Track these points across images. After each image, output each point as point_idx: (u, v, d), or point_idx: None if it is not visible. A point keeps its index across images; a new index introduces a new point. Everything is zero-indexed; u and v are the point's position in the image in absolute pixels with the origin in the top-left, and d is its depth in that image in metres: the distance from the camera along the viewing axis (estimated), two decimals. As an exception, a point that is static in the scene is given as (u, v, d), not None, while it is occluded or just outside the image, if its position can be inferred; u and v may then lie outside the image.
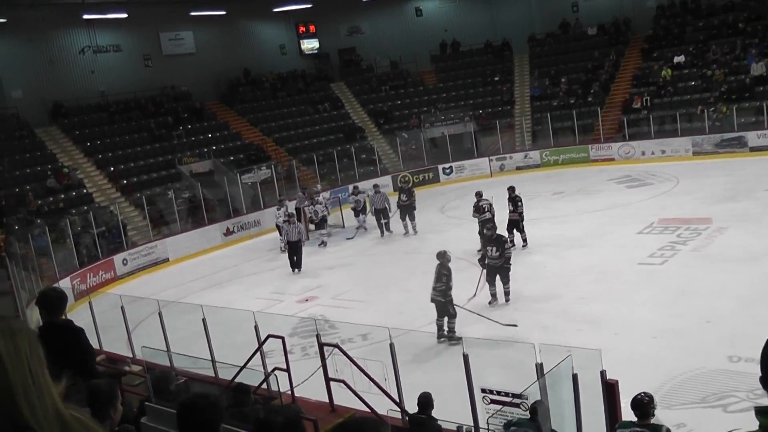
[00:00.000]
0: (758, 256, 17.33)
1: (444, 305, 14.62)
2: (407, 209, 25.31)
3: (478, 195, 21.85)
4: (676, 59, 37.16)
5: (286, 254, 22.79)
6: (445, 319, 14.69)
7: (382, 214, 25.65)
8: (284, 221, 23.86)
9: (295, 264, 22.29)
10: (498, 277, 16.42)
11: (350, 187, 30.00)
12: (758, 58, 34.23)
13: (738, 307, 14.32)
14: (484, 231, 18.09)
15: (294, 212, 25.34)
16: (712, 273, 16.76)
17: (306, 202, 26.92)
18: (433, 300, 14.67)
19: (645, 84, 37.24)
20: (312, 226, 26.12)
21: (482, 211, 21.79)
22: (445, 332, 14.65)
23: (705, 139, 32.27)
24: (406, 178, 26.74)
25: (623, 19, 41.28)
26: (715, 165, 29.90)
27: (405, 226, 25.33)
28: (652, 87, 36.74)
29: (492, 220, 20.61)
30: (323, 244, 25.42)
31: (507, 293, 16.49)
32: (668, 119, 34.16)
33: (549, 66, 41.51)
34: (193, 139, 35.18)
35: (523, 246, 21.18)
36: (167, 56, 38.25)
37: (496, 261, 16.31)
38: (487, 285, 16.46)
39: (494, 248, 16.39)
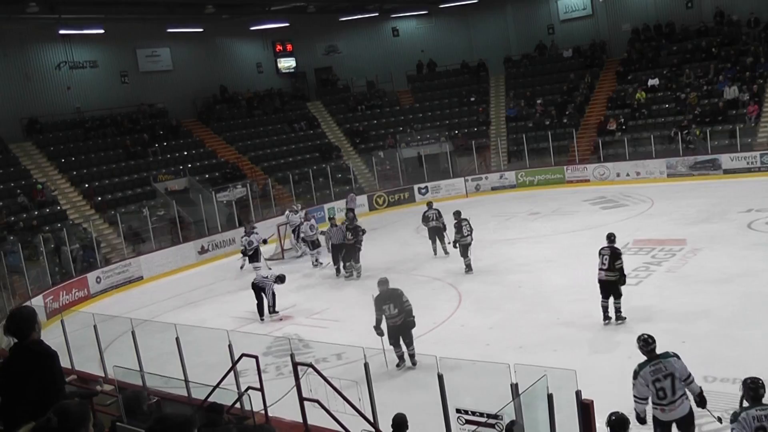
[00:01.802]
0: (732, 277, 17.43)
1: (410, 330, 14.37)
2: (350, 251, 22.77)
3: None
4: (651, 82, 37.53)
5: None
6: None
7: (337, 249, 23.31)
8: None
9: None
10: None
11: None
12: (730, 83, 34.63)
13: (713, 328, 14.39)
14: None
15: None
16: (686, 294, 16.82)
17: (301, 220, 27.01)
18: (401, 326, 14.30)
19: (620, 106, 37.56)
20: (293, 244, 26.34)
21: (427, 220, 24.04)
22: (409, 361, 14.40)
23: (679, 161, 32.52)
24: (350, 215, 24.35)
25: (599, 42, 41.68)
26: (689, 187, 30.13)
27: (347, 267, 22.86)
28: (627, 109, 37.07)
29: (438, 228, 23.73)
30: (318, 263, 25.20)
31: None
32: (643, 141, 34.38)
33: (525, 87, 41.79)
34: (168, 156, 35.08)
35: (466, 271, 21.21)
36: (144, 73, 38.18)
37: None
38: None
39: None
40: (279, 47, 44.18)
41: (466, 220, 21.57)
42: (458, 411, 8.62)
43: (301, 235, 25.19)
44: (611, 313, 15.22)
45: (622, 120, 36.17)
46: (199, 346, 14.06)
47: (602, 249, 15.40)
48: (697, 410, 9.33)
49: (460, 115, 42.10)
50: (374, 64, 43.81)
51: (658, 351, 9.41)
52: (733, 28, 37.91)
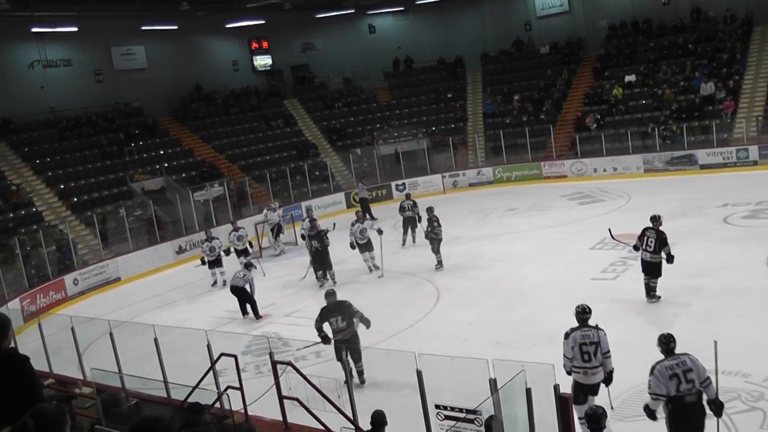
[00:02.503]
0: (708, 271, 17.56)
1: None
2: (321, 258, 21.63)
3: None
4: (627, 78, 37.66)
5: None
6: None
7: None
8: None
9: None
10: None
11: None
12: (707, 79, 34.83)
13: (689, 322, 14.46)
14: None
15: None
16: (663, 288, 16.86)
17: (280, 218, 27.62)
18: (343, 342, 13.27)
19: (597, 102, 37.69)
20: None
21: (403, 210, 25.35)
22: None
23: (656, 156, 32.66)
24: (309, 223, 22.53)
25: (575, 39, 41.78)
26: (666, 182, 30.30)
27: (318, 277, 21.63)
28: (604, 105, 37.20)
29: (412, 218, 24.98)
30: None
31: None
32: (620, 137, 34.50)
33: (502, 83, 41.86)
34: (144, 155, 34.85)
35: (437, 268, 21.23)
36: (119, 71, 37.91)
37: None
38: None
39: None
40: (255, 45, 44.10)
41: (437, 217, 21.77)
42: (437, 407, 8.60)
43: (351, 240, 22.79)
44: (648, 290, 15.98)
45: (599, 116, 36.29)
46: (178, 347, 13.98)
47: (647, 230, 15.83)
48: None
49: (438, 111, 42.12)
50: (351, 61, 43.79)
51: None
52: (710, 24, 38.13)
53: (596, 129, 35.63)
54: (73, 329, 13.60)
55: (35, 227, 27.40)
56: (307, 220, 23.07)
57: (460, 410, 8.40)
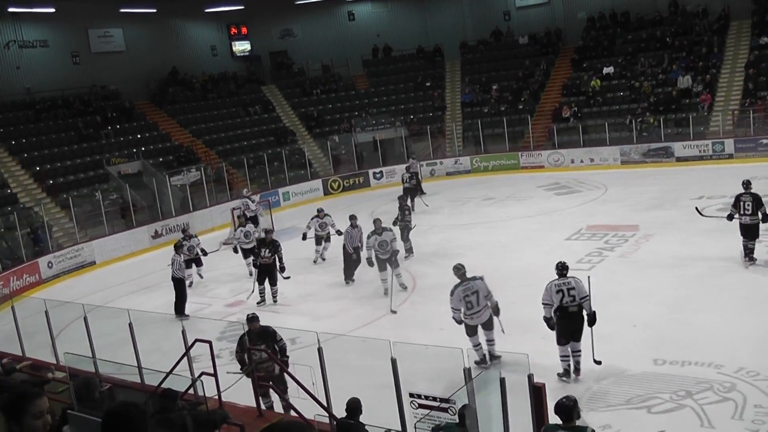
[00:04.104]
0: (683, 262, 17.68)
1: None
2: (268, 271, 18.99)
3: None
4: (606, 70, 37.80)
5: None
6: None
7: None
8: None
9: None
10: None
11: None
12: (684, 72, 35.00)
13: (663, 312, 14.58)
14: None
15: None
16: (638, 278, 17.01)
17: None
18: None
19: (574, 93, 37.78)
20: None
21: (402, 181, 28.25)
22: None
23: (633, 148, 32.81)
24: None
25: (554, 30, 41.84)
26: (642, 174, 30.47)
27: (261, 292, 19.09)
28: (582, 97, 37.30)
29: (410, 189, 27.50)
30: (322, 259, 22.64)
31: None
32: (597, 128, 34.62)
33: (480, 73, 41.88)
34: (121, 139, 34.58)
35: (406, 256, 21.15)
36: (96, 53, 37.56)
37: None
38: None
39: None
40: (234, 30, 43.87)
41: (408, 206, 21.95)
42: (411, 395, 8.61)
43: (305, 231, 22.47)
44: (747, 252, 16.92)
45: (577, 107, 36.39)
46: (153, 332, 13.94)
47: (742, 195, 16.88)
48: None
49: (416, 100, 42.08)
50: (330, 48, 43.63)
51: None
52: (687, 18, 38.33)
53: (574, 120, 35.73)
54: (47, 313, 13.52)
55: (10, 209, 27.18)
56: (316, 219, 22.14)
57: (434, 399, 8.42)
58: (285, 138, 38.61)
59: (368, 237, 18.43)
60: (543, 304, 12.23)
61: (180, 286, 18.70)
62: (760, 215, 16.69)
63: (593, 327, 12.00)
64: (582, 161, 33.77)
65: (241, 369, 11.26)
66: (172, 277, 18.71)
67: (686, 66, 35.63)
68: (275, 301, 18.68)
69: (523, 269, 18.45)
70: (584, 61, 39.43)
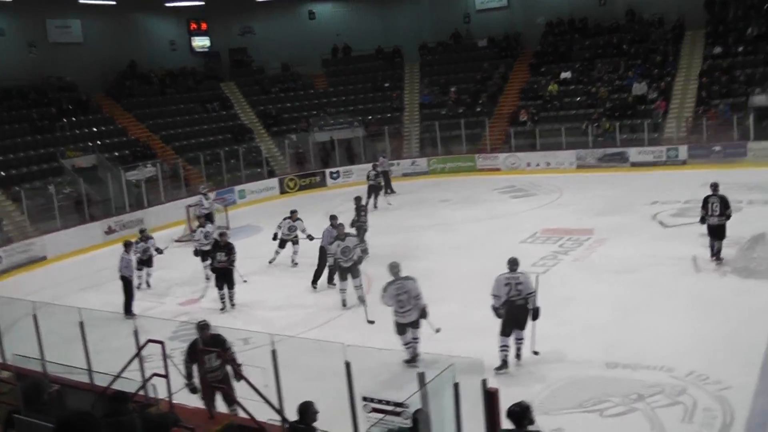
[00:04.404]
0: (636, 267, 17.82)
1: None
2: (225, 275, 18.41)
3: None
4: (563, 75, 38.15)
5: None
6: None
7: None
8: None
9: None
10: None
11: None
12: (640, 79, 35.44)
13: (616, 316, 14.71)
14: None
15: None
16: (592, 282, 17.14)
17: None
18: None
19: (532, 98, 38.08)
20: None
21: (367, 178, 29.20)
22: None
23: (588, 153, 33.14)
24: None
25: (513, 34, 42.13)
26: (597, 178, 30.75)
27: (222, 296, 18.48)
28: (539, 101, 37.60)
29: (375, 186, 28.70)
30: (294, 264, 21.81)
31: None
32: (554, 132, 34.85)
33: (439, 75, 42.04)
34: (77, 132, 34.15)
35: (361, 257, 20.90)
36: (53, 44, 36.96)
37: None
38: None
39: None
40: (194, 25, 43.58)
41: (364, 207, 22.04)
42: (364, 399, 8.57)
43: (276, 231, 21.79)
44: (714, 251, 17.56)
45: (534, 111, 36.64)
46: (103, 330, 13.74)
47: (710, 197, 17.57)
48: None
49: (374, 100, 42.09)
50: (289, 46, 43.50)
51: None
52: (643, 26, 38.84)
53: (531, 124, 35.98)
54: (-6, 310, 13.28)
55: (-40, 201, 26.76)
56: (288, 220, 21.46)
57: (388, 403, 8.39)
58: (242, 136, 38.42)
59: (330, 243, 17.59)
60: (492, 295, 12.98)
61: (127, 285, 18.40)
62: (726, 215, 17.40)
63: (536, 321, 12.79)
64: (538, 165, 34.02)
65: (186, 382, 10.83)
66: (121, 276, 18.40)
67: (642, 73, 36.10)
68: (233, 305, 18.26)
69: (478, 272, 18.34)
70: (542, 66, 39.75)
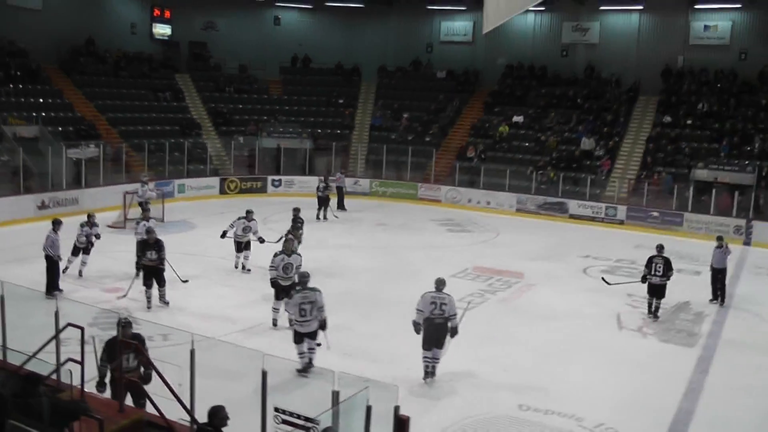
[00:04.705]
0: (560, 315, 18.02)
1: None
2: (155, 274, 17.65)
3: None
4: (515, 118, 38.58)
5: None
6: None
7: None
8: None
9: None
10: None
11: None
12: (589, 134, 35.98)
13: (534, 361, 14.83)
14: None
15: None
16: (515, 325, 17.25)
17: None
18: None
19: (482, 135, 38.42)
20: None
21: (317, 189, 30.27)
22: None
23: (529, 198, 33.46)
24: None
25: (473, 70, 42.51)
26: (535, 224, 31.09)
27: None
28: (489, 140, 37.94)
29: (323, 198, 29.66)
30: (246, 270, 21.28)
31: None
32: (498, 173, 35.09)
33: (394, 99, 42.25)
34: (22, 99, 33.32)
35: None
36: (9, 6, 35.35)
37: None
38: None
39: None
40: (157, 12, 43.06)
41: (302, 219, 22.14)
42: (276, 410, 8.52)
43: (226, 229, 21.13)
44: (653, 309, 18.33)
45: (482, 149, 36.95)
46: (24, 307, 13.42)
47: (654, 257, 18.34)
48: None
49: (327, 114, 42.10)
50: (250, 48, 43.30)
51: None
52: (601, 84, 39.50)
53: (477, 161, 36.26)
54: None
55: None
56: (243, 220, 20.91)
57: (299, 417, 8.35)
58: (190, 130, 38.07)
59: (275, 255, 16.37)
60: (416, 309, 13.50)
61: (52, 265, 17.97)
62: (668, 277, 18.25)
63: (454, 338, 13.57)
64: (479, 202, 34.27)
65: (99, 382, 10.53)
66: (45, 255, 18.01)
67: (592, 129, 36.67)
68: (166, 303, 17.46)
69: (402, 299, 18.14)
70: (496, 106, 40.15)
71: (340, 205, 32.06)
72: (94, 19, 39.48)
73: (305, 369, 13.28)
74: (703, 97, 36.28)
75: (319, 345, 13.60)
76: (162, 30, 43.40)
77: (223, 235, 20.99)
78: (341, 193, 32.28)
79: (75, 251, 19.80)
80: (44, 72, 36.01)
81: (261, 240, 20.80)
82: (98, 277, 19.75)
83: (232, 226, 20.95)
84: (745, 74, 36.47)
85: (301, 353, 13.42)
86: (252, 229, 21.02)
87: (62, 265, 18.76)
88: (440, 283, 13.61)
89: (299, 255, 16.63)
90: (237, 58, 43.18)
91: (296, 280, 14.93)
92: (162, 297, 17.58)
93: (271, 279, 16.32)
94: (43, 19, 36.95)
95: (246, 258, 20.99)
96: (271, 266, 16.30)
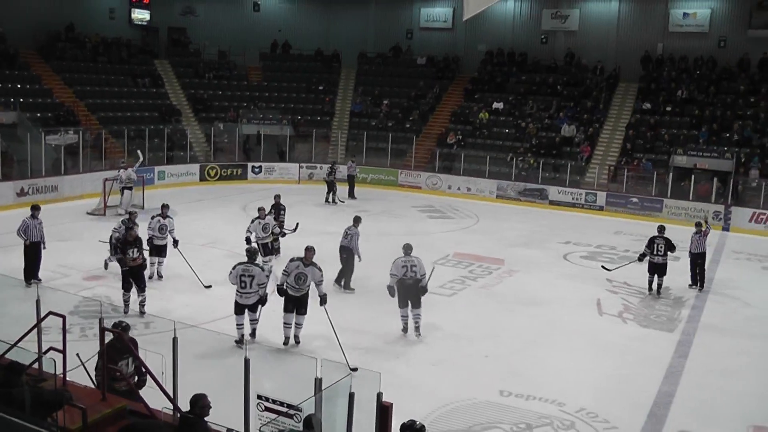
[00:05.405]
0: (540, 301, 18.13)
1: None
2: (136, 273, 16.03)
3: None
4: (495, 105, 38.59)
5: None
6: None
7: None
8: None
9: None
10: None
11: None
12: (569, 121, 36.08)
13: (515, 347, 14.92)
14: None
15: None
16: (496, 311, 17.34)
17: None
18: None
19: (462, 122, 38.43)
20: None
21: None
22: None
23: (509, 185, 33.53)
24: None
25: (453, 56, 42.46)
26: (515, 211, 31.17)
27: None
28: (469, 126, 37.94)
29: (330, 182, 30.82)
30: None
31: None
32: (478, 160, 35.17)
33: (374, 86, 42.15)
34: (0, 85, 33.06)
35: (276, 254, 20.56)
36: (-14, -9, 35.24)
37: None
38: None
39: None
40: (136, -3, 42.83)
41: (283, 206, 22.25)
42: (259, 397, 8.52)
43: (248, 235, 19.64)
44: (654, 287, 19.25)
45: (462, 136, 36.98)
46: (3, 295, 13.32)
47: (655, 238, 19.17)
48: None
49: (306, 101, 41.98)
50: (230, 34, 43.13)
51: None
52: (581, 71, 39.57)
53: (457, 148, 36.30)
54: None
55: None
56: (257, 220, 19.78)
57: (282, 404, 8.35)
58: (170, 116, 37.86)
59: (291, 261, 14.60)
60: (390, 274, 15.16)
61: (31, 251, 17.65)
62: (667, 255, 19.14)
63: (424, 295, 15.15)
64: (459, 189, 34.32)
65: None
66: (31, 241, 17.64)
67: (572, 116, 36.77)
68: (143, 313, 15.59)
69: (381, 287, 18.23)
70: (476, 93, 40.16)
71: (351, 194, 32.56)
72: (72, 4, 39.25)
73: (241, 340, 14.02)
74: (682, 84, 36.46)
75: (355, 370, 11.53)
76: (141, 15, 43.08)
77: (248, 241, 18.98)
78: (352, 182, 32.80)
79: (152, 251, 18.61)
80: (22, 57, 35.75)
81: (283, 234, 20.92)
82: (77, 264, 19.57)
83: (250, 231, 19.43)
84: (724, 61, 36.68)
85: (239, 324, 14.17)
86: (270, 226, 19.90)
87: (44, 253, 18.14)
88: (408, 248, 15.54)
89: (319, 270, 14.49)
90: (216, 44, 43.01)
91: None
92: (142, 304, 15.74)
93: (278, 285, 14.68)
94: (21, 4, 36.62)
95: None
96: (284, 271, 14.57)
